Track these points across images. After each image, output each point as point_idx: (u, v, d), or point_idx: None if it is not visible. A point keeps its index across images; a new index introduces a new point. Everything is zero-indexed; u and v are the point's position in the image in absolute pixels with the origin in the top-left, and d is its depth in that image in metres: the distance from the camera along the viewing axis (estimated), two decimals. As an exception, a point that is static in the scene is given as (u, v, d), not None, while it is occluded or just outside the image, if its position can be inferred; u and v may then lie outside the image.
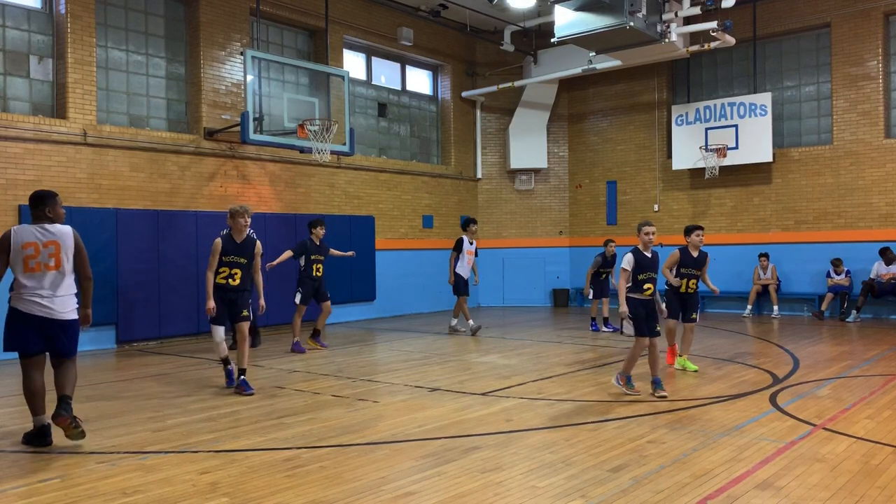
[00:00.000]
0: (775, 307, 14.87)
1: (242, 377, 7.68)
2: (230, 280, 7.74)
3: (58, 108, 11.31)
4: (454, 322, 12.45)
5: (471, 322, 12.35)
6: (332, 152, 13.04)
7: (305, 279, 10.68)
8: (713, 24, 13.36)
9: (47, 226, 5.66)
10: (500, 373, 8.78)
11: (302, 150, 13.03)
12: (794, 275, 15.29)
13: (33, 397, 5.68)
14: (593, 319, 12.72)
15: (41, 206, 5.70)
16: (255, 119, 12.36)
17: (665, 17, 12.86)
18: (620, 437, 5.71)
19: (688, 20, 13.36)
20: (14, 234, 5.57)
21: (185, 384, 8.30)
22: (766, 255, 15.08)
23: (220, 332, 7.84)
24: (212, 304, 7.63)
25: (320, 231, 10.70)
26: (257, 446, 5.60)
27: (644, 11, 12.14)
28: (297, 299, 10.70)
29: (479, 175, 18.45)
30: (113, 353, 11.02)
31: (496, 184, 18.54)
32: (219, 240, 7.75)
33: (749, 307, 15.02)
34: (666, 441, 5.56)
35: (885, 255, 13.76)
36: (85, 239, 11.17)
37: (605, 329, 12.52)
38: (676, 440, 5.58)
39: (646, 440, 5.59)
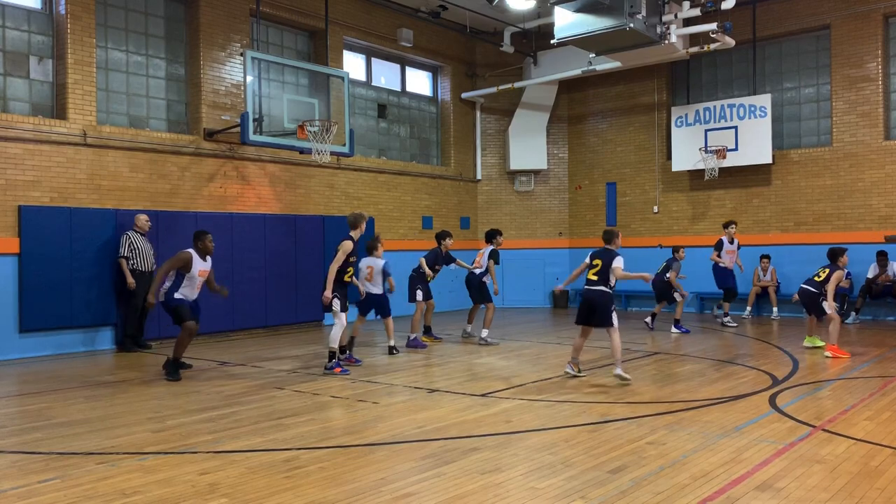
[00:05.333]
0: (775, 308, 14.88)
1: None
2: (352, 279, 9.14)
3: (58, 109, 11.31)
4: (485, 333, 11.68)
5: (470, 327, 12.37)
6: (332, 153, 13.04)
7: (423, 280, 11.46)
8: (713, 26, 13.35)
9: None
10: (499, 374, 8.78)
11: (302, 151, 13.03)
12: (793, 276, 15.25)
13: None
14: (677, 321, 12.70)
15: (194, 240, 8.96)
16: (254, 120, 12.36)
17: (665, 18, 12.85)
18: (620, 438, 5.71)
19: (687, 22, 13.34)
20: (195, 262, 8.83)
21: (184, 384, 8.30)
22: (767, 257, 15.08)
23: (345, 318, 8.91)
24: (330, 293, 8.69)
25: (449, 242, 11.81)
26: (257, 447, 5.60)
27: (644, 13, 12.13)
28: (419, 297, 11.39)
29: (479, 176, 18.46)
30: (112, 353, 11.02)
31: (496, 185, 18.55)
32: (350, 242, 8.82)
33: (748, 308, 15.02)
34: (665, 442, 5.56)
35: (878, 259, 13.81)
36: (85, 240, 11.26)
37: (675, 330, 12.56)
38: (676, 441, 5.58)
39: (645, 441, 5.60)
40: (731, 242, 13.67)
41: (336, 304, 8.75)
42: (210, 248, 8.92)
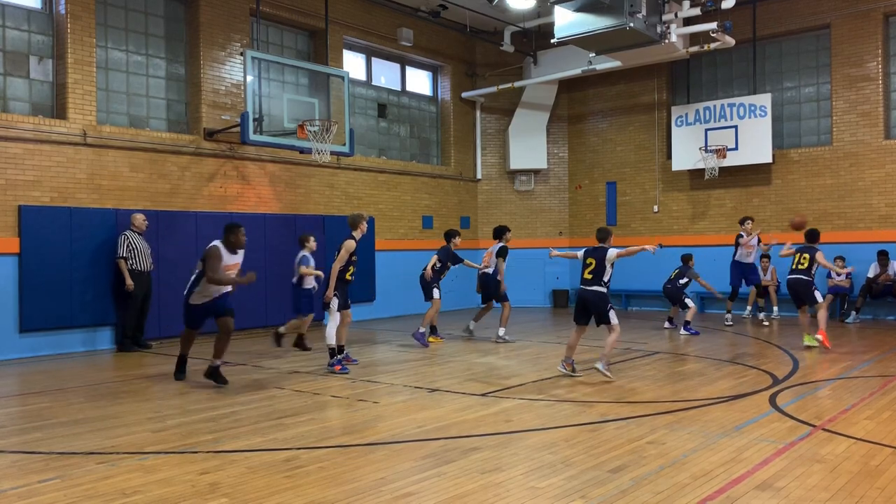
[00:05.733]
0: (775, 308, 14.87)
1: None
2: (352, 277, 9.16)
3: (58, 109, 11.31)
4: (502, 332, 11.76)
5: (473, 324, 12.36)
6: (332, 153, 13.04)
7: (438, 278, 11.65)
8: (713, 25, 13.35)
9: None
10: (499, 373, 8.78)
11: (302, 151, 13.03)
12: (793, 276, 15.26)
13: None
14: (687, 322, 12.61)
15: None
16: (254, 119, 12.36)
17: (665, 17, 12.85)
18: (620, 437, 5.71)
19: (687, 21, 13.35)
20: (224, 254, 8.25)
21: (184, 384, 8.30)
22: (767, 257, 15.06)
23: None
24: (332, 293, 8.86)
25: (458, 241, 11.91)
26: (257, 447, 5.60)
27: (644, 12, 12.13)
28: (437, 295, 11.52)
29: (479, 176, 18.45)
30: (112, 353, 11.02)
31: (496, 184, 18.55)
32: (353, 241, 8.98)
33: (749, 308, 14.98)
34: (665, 442, 5.56)
35: (879, 258, 13.81)
36: (84, 239, 11.14)
37: (683, 332, 12.40)
38: (676, 441, 5.58)
39: (645, 441, 5.60)
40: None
41: (334, 303, 8.91)
42: (243, 241, 8.35)
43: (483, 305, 12.33)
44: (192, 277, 8.31)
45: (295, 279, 10.69)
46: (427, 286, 11.57)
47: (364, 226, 9.22)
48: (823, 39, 15.29)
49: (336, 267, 8.85)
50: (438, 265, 11.54)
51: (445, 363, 9.68)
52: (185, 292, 8.35)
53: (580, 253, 8.60)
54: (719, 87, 16.70)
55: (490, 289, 11.91)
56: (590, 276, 8.26)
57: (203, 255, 8.18)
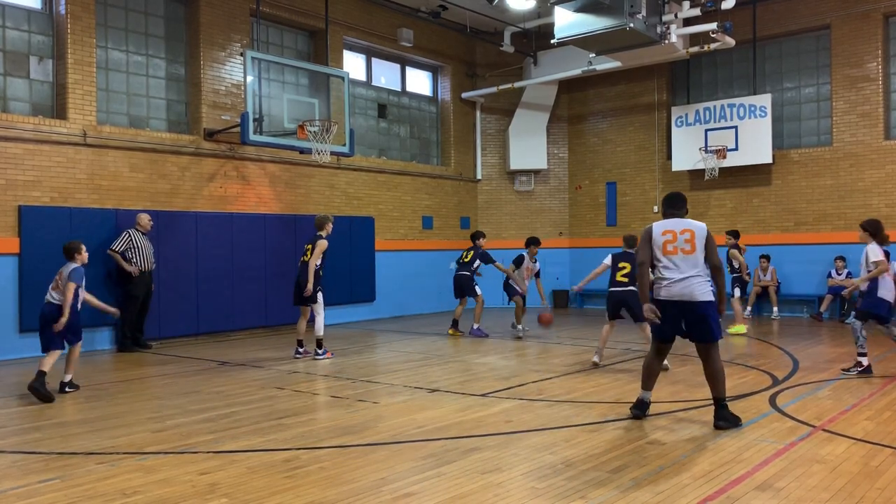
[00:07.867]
0: (775, 308, 14.88)
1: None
2: (322, 272, 10.17)
3: (58, 109, 11.31)
4: (520, 327, 12.28)
5: (521, 326, 12.49)
6: (332, 153, 13.05)
7: (474, 278, 12.46)
8: (713, 26, 13.36)
9: (686, 219, 6.26)
10: (499, 374, 8.79)
11: (302, 151, 13.04)
12: (793, 276, 15.29)
13: (649, 375, 6.29)
14: None
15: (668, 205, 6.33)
16: (254, 120, 12.36)
17: (665, 18, 12.85)
18: (620, 438, 5.71)
19: (688, 21, 13.35)
20: (654, 226, 6.22)
21: (184, 385, 8.30)
22: (766, 257, 15.08)
23: None
24: (312, 288, 9.84)
25: (482, 241, 12.68)
26: (257, 447, 5.60)
27: (644, 13, 12.12)
28: (479, 291, 12.38)
29: (479, 176, 18.46)
30: (112, 353, 11.02)
31: (496, 185, 18.55)
32: (326, 241, 10.00)
33: (749, 308, 15.01)
34: (666, 442, 5.56)
35: None
36: (85, 240, 10.94)
37: None
38: (676, 441, 5.58)
39: (645, 441, 5.60)
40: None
41: (320, 297, 10.01)
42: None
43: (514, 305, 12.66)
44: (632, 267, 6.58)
45: (77, 299, 7.76)
46: (469, 286, 12.25)
47: (330, 227, 10.20)
48: (823, 40, 15.29)
49: (313, 265, 9.80)
50: (477, 264, 12.34)
51: (445, 363, 9.68)
52: (636, 288, 6.20)
53: (607, 260, 9.24)
54: (719, 88, 16.71)
55: (510, 290, 12.38)
56: (625, 279, 8.86)
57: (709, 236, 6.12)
